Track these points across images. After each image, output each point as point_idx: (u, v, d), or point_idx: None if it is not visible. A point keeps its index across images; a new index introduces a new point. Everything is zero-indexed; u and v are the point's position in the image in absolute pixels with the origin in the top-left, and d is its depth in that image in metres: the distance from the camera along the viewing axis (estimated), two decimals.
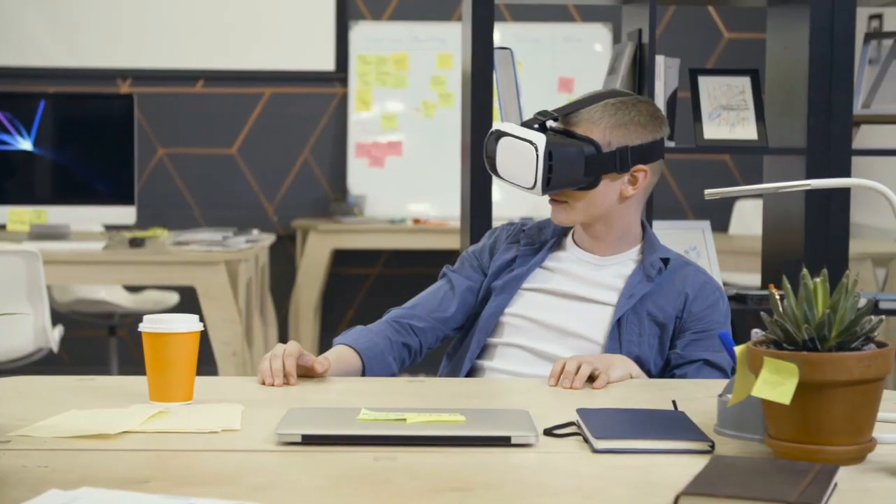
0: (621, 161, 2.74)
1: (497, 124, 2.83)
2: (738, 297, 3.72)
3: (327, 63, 7.20)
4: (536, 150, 2.69)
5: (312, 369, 2.55)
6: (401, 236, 6.79)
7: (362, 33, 7.17)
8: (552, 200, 2.80)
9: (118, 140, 5.48)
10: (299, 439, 2.01)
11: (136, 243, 5.29)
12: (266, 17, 7.14)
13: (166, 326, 2.31)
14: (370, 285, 7.25)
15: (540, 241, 2.89)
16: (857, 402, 1.89)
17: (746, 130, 3.67)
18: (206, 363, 5.60)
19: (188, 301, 6.77)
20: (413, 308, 2.90)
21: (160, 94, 7.10)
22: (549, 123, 2.78)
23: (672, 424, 2.10)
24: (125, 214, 5.52)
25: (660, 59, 3.60)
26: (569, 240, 2.89)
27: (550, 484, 1.82)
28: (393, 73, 7.18)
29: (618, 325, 2.75)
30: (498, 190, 3.53)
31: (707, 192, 2.16)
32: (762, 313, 2.02)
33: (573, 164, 2.70)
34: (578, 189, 2.73)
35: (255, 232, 5.78)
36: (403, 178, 7.12)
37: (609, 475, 1.86)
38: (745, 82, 3.72)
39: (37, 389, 2.49)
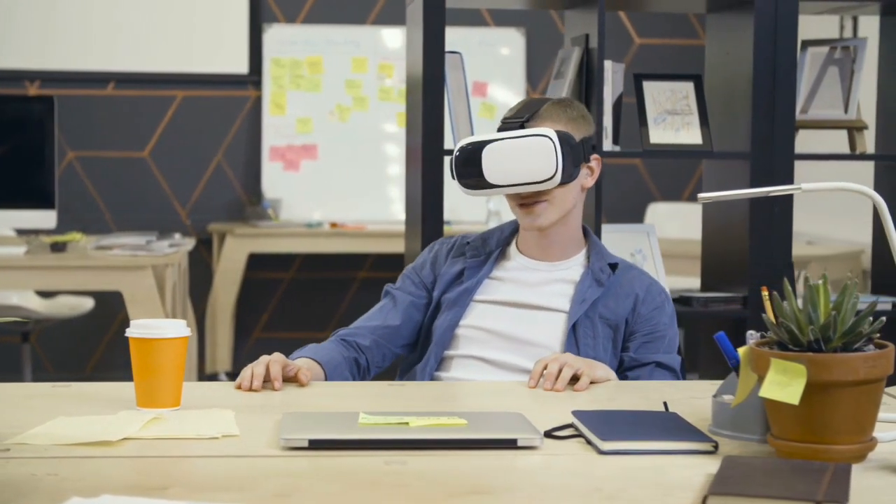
0: (585, 151, 2.84)
1: (470, 138, 2.82)
2: (682, 300, 3.76)
3: (241, 66, 7.15)
4: (553, 140, 2.74)
5: (297, 378, 2.55)
6: (318, 240, 6.77)
7: (276, 36, 7.13)
8: (530, 204, 2.81)
9: (35, 143, 5.39)
10: (306, 444, 2.00)
11: (57, 248, 5.20)
12: (179, 19, 7.06)
13: (155, 332, 2.28)
14: (284, 289, 7.21)
15: (485, 252, 2.91)
16: (862, 401, 1.93)
17: (691, 135, 3.72)
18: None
19: (104, 306, 6.69)
20: (358, 328, 2.88)
21: (71, 96, 6.99)
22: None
23: (671, 426, 2.13)
24: (44, 219, 5.43)
25: (607, 64, 3.63)
26: (513, 249, 2.92)
27: (569, 486, 1.83)
28: (307, 76, 7.15)
29: (573, 330, 2.78)
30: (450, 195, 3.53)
31: (700, 195, 2.19)
32: (764, 315, 2.05)
33: (574, 153, 2.79)
34: (566, 182, 2.76)
35: (178, 236, 5.72)
36: (318, 182, 7.10)
37: (623, 476, 1.88)
38: (688, 87, 3.77)
39: (12, 397, 2.45)
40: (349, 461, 1.94)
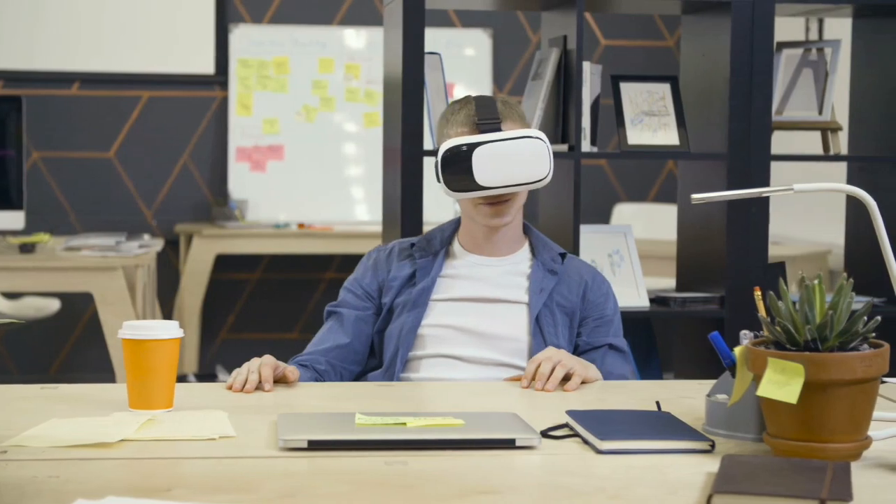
0: None
1: (456, 140, 2.81)
2: (659, 300, 3.78)
3: (207, 66, 7.12)
4: (545, 142, 2.80)
5: (285, 377, 2.56)
6: (286, 241, 6.75)
7: (242, 36, 7.11)
8: (500, 203, 2.82)
9: (1, 143, 5.35)
10: (305, 445, 2.00)
11: (26, 249, 5.17)
12: (145, 19, 7.03)
13: (148, 333, 2.27)
14: (251, 290, 7.19)
15: (431, 252, 2.92)
16: (858, 400, 1.95)
17: (668, 136, 3.74)
18: (105, 370, 5.51)
19: (70, 308, 6.66)
20: (310, 353, 2.86)
21: (35, 95, 6.94)
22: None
23: (666, 425, 2.14)
24: (12, 220, 5.39)
25: (585, 66, 3.65)
26: (456, 247, 2.93)
27: (572, 485, 1.84)
28: (274, 76, 7.13)
29: (537, 320, 2.81)
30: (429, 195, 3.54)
31: (694, 196, 2.21)
32: (760, 315, 2.07)
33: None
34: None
35: (147, 237, 5.69)
36: (285, 183, 7.08)
37: (625, 475, 1.89)
38: (665, 88, 3.79)
39: (0, 399, 2.43)
40: (349, 462, 1.94)
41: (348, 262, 7.10)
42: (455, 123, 2.88)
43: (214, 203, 7.01)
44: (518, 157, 2.78)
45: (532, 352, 2.78)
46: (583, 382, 2.57)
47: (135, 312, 5.01)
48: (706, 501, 1.70)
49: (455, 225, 2.96)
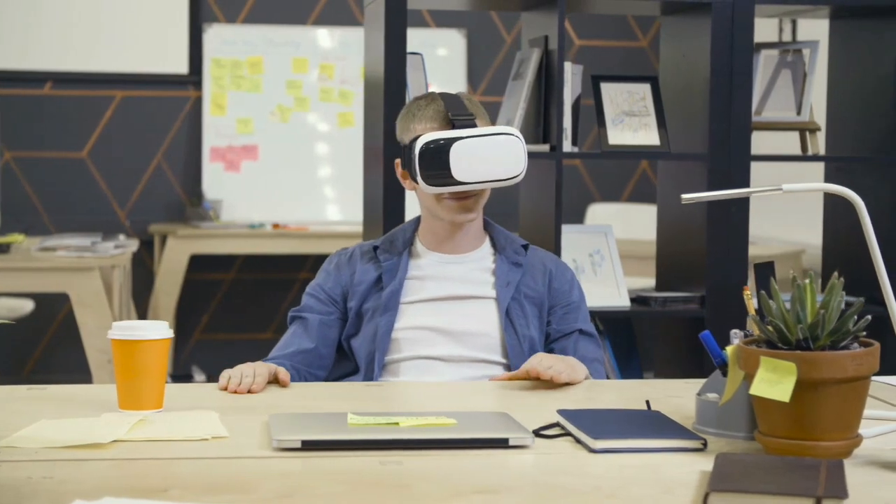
0: None
1: (432, 135, 2.81)
2: (639, 300, 3.80)
3: (181, 66, 7.10)
4: (520, 138, 2.82)
5: (278, 379, 2.58)
6: (261, 241, 6.74)
7: (216, 36, 7.10)
8: (468, 199, 2.84)
9: None
10: (299, 445, 2.00)
11: (0, 249, 5.15)
12: (118, 19, 7.00)
13: (137, 333, 2.27)
14: (225, 290, 7.18)
15: (395, 253, 2.92)
16: (849, 398, 1.97)
17: (649, 136, 3.75)
18: (80, 371, 5.49)
19: (44, 308, 6.63)
20: (275, 357, 2.84)
21: (8, 95, 6.91)
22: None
23: (657, 424, 2.15)
24: None
25: (567, 66, 3.66)
26: (419, 247, 2.93)
27: (567, 484, 1.84)
28: (248, 76, 7.12)
29: (507, 314, 2.82)
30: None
31: (684, 196, 2.22)
32: (750, 315, 2.08)
33: None
34: None
35: (122, 237, 5.68)
36: (260, 183, 7.07)
37: (619, 475, 1.90)
38: (645, 89, 3.81)
39: None
40: (343, 462, 1.94)
41: (322, 262, 7.10)
42: (423, 119, 2.87)
43: (188, 203, 6.99)
44: (494, 154, 2.80)
45: (504, 345, 2.81)
46: (569, 384, 2.58)
47: (111, 313, 4.99)
48: (703, 500, 1.71)
49: (415, 224, 2.96)
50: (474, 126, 2.83)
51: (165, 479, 1.85)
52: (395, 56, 3.55)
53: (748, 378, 2.01)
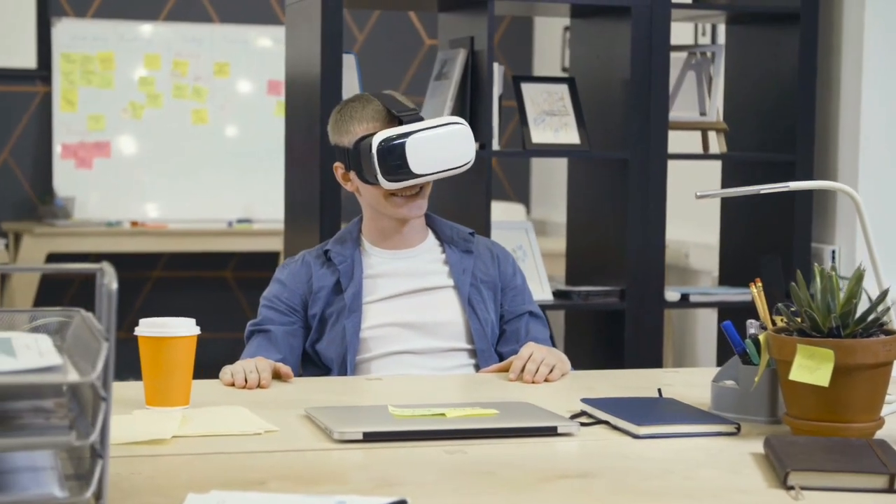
0: None
1: (386, 132, 2.86)
2: (561, 293, 3.91)
3: (28, 60, 6.94)
4: (466, 125, 2.92)
5: (281, 375, 2.63)
6: (119, 239, 6.64)
7: (65, 30, 6.95)
8: (412, 196, 2.90)
9: None
10: (360, 437, 2.04)
11: None
12: None
13: (166, 330, 2.27)
14: (80, 289, 7.05)
15: (347, 255, 2.96)
16: (877, 381, 2.11)
17: (569, 135, 3.87)
18: None
19: None
20: None
21: None
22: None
23: (684, 410, 2.27)
24: None
25: (495, 67, 3.74)
26: (367, 246, 2.99)
27: (642, 468, 1.93)
28: (99, 72, 7.00)
29: (469, 301, 2.91)
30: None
31: (697, 193, 2.33)
32: (779, 305, 2.20)
33: None
34: None
35: None
36: (113, 180, 6.95)
37: (677, 458, 1.99)
38: (563, 89, 3.92)
39: None
40: (408, 452, 1.99)
41: (176, 260, 7.04)
42: (364, 119, 2.90)
43: (39, 201, 6.84)
44: (447, 144, 2.88)
45: (469, 331, 2.89)
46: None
47: None
48: (783, 478, 1.81)
49: (358, 224, 3.01)
50: (421, 119, 2.89)
51: (257, 472, 1.87)
52: (332, 56, 3.58)
53: (780, 365, 2.14)
